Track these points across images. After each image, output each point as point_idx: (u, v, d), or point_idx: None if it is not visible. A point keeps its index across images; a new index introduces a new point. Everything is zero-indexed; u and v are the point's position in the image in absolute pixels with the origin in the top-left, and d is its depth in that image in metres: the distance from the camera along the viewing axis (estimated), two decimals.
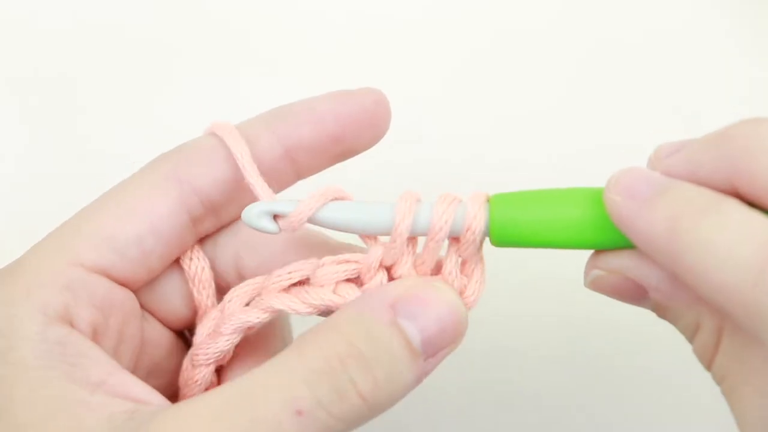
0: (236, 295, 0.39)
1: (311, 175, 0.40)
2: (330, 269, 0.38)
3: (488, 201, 0.38)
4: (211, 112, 0.55)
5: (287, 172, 0.40)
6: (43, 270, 0.36)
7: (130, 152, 0.55)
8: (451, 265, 0.38)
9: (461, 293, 0.38)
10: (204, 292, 0.40)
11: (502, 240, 0.37)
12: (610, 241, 0.37)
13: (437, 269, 0.38)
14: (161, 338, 0.40)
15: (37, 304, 0.34)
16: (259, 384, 0.33)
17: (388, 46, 0.56)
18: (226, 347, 0.39)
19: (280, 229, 0.37)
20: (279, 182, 0.40)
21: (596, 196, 0.37)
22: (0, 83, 0.56)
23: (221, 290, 0.40)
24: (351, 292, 0.38)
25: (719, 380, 0.36)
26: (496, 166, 0.54)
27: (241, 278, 0.40)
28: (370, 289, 0.38)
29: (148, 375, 0.39)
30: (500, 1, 0.56)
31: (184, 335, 0.42)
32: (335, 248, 0.40)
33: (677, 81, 0.55)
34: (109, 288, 0.37)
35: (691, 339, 0.37)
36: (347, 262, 0.38)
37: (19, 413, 0.33)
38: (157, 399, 0.35)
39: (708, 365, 0.36)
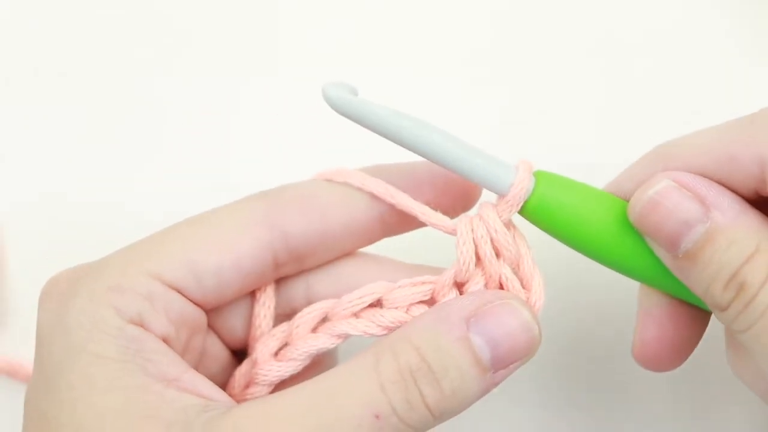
0: (303, 320, 0.40)
1: (394, 235, 0.42)
2: (406, 291, 0.39)
3: (533, 174, 0.39)
4: (212, 112, 0.55)
5: (376, 231, 0.41)
6: (126, 275, 0.37)
7: (131, 152, 0.55)
8: (510, 280, 0.39)
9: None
10: (264, 321, 0.41)
11: (535, 213, 0.39)
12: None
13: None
14: (219, 353, 0.42)
15: (116, 305, 0.36)
16: (340, 387, 0.35)
17: (388, 45, 0.56)
18: (296, 371, 0.40)
19: None
20: (367, 239, 0.41)
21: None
22: (0, 83, 0.56)
23: (287, 317, 0.41)
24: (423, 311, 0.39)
25: None
26: None
27: (310, 302, 0.41)
28: (446, 300, 0.39)
29: None
30: (500, 2, 0.56)
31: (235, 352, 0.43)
32: (406, 269, 0.41)
33: (677, 81, 0.55)
34: (183, 305, 0.38)
35: None
36: (422, 283, 0.39)
37: (98, 401, 0.35)
38: (225, 398, 0.37)
39: None
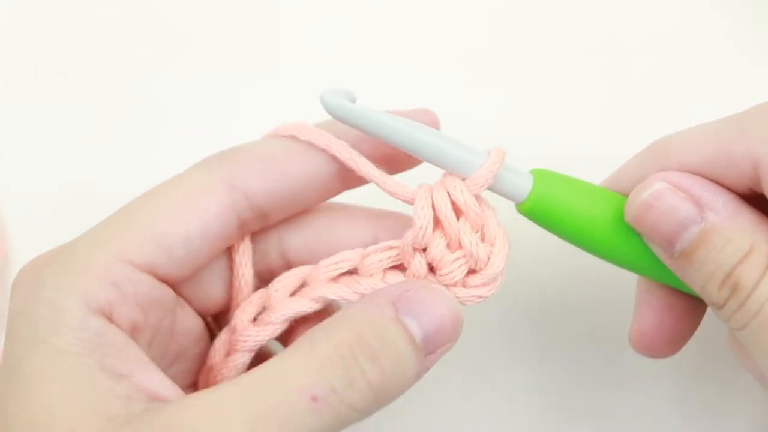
0: (282, 284, 0.40)
1: (356, 187, 0.42)
2: (376, 257, 0.39)
3: (531, 172, 0.40)
4: (212, 112, 0.55)
5: (337, 185, 0.41)
6: (93, 262, 0.37)
7: (131, 152, 0.55)
8: (468, 238, 0.39)
9: (487, 261, 0.39)
10: (243, 280, 0.41)
11: (532, 211, 0.40)
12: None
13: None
14: (192, 326, 0.41)
15: (82, 295, 0.36)
16: (276, 374, 0.35)
17: (388, 45, 0.56)
18: (275, 335, 0.40)
19: None
20: (329, 193, 0.41)
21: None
22: (0, 83, 0.56)
23: (262, 277, 0.41)
24: (397, 278, 0.39)
25: None
26: None
27: (284, 259, 0.41)
28: (410, 273, 0.39)
29: (173, 361, 0.40)
30: (500, 2, 0.56)
31: (206, 321, 0.43)
32: (377, 217, 0.42)
33: (677, 81, 0.55)
34: (152, 286, 0.38)
35: None
36: (390, 248, 0.40)
37: (51, 390, 0.34)
38: (176, 393, 0.36)
39: None
